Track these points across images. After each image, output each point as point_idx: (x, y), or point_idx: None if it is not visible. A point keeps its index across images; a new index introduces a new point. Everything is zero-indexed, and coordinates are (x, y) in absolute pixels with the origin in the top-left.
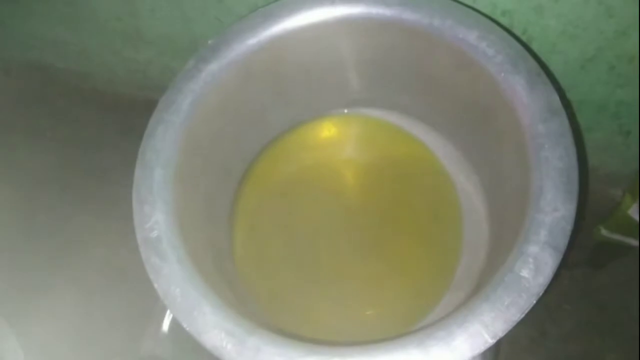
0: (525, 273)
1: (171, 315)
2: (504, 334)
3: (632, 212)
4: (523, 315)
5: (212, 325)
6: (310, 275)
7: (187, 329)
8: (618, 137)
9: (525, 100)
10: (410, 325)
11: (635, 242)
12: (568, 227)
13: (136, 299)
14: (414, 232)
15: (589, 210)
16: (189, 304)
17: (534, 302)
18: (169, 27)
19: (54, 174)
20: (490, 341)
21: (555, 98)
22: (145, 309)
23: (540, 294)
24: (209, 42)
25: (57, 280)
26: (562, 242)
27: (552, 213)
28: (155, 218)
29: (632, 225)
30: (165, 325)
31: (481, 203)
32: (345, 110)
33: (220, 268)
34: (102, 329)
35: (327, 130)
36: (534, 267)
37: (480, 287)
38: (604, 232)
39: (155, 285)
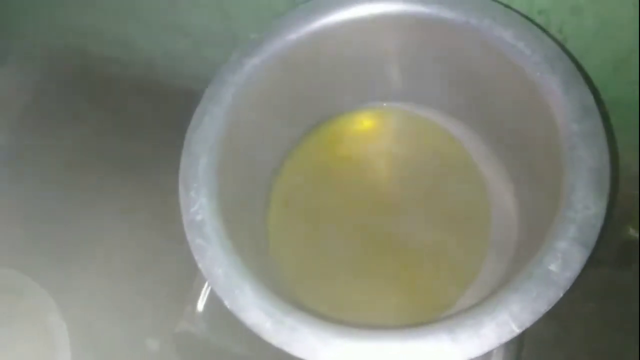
0: (553, 267)
1: (206, 296)
2: (531, 324)
3: None
4: (550, 307)
5: (252, 304)
6: (339, 261)
7: (229, 306)
8: None
9: (561, 99)
10: (436, 315)
11: None
12: (598, 224)
13: (172, 279)
14: (443, 225)
15: (618, 209)
16: (231, 283)
17: (561, 294)
18: (208, 20)
19: (92, 159)
20: (517, 330)
21: (590, 98)
22: (180, 290)
23: (568, 287)
24: (252, 36)
25: (97, 260)
26: (591, 239)
27: (583, 211)
28: (200, 203)
29: None
30: (200, 305)
31: (511, 199)
32: (384, 104)
33: (257, 250)
34: (140, 307)
35: (364, 122)
36: (562, 262)
37: (508, 279)
38: (632, 231)
39: (200, 265)
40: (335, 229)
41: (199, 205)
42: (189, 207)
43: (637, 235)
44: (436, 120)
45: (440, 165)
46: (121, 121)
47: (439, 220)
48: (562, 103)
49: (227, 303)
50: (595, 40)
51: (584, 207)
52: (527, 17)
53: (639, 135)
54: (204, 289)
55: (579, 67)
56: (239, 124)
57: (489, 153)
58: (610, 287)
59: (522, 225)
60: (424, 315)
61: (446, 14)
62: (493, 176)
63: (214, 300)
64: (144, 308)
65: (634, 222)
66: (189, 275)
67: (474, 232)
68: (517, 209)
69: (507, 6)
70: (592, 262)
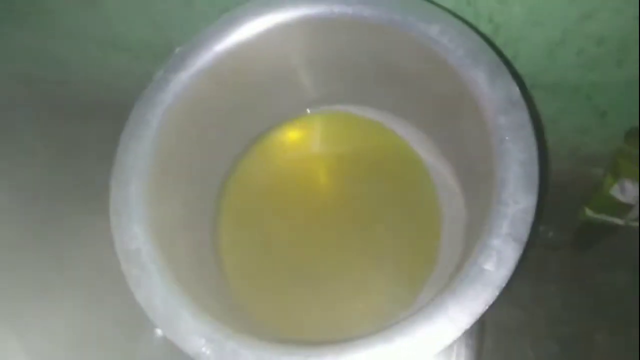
0: (488, 266)
1: None
2: (469, 326)
3: (614, 191)
4: (487, 307)
5: (192, 331)
6: (294, 274)
7: (169, 336)
8: (594, 118)
9: (486, 92)
10: (392, 317)
11: (619, 221)
12: (529, 219)
13: (132, 303)
14: (393, 223)
15: (573, 191)
16: (169, 312)
17: (497, 294)
18: (141, 32)
19: (41, 183)
20: (457, 334)
21: (516, 90)
22: (141, 314)
23: (503, 285)
24: (177, 50)
25: (54, 286)
26: (523, 233)
27: (514, 205)
28: (133, 231)
29: (615, 204)
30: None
31: (458, 192)
32: (308, 110)
33: (202, 273)
34: (100, 333)
35: (295, 131)
36: (496, 260)
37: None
38: (588, 212)
39: (137, 297)
40: (285, 240)
41: (132, 234)
42: (121, 235)
43: (594, 215)
44: (372, 117)
45: (382, 160)
46: (67, 141)
47: (388, 217)
48: (487, 96)
49: (167, 333)
50: (525, 26)
51: (514, 202)
52: (456, 10)
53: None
54: None
55: (506, 60)
56: (169, 144)
57: (429, 144)
58: (572, 269)
59: (470, 215)
60: (380, 319)
61: (369, 12)
62: (437, 167)
63: None
64: (105, 335)
65: (590, 202)
66: None
67: (425, 226)
68: (464, 199)
69: (432, 1)
70: (551, 245)
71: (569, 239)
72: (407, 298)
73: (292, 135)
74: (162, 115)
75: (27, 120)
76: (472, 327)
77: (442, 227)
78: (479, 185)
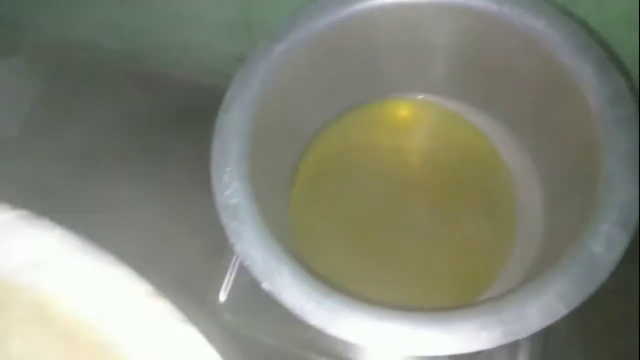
0: (597, 249)
1: (229, 287)
2: (578, 304)
3: None
4: (596, 288)
5: (291, 286)
6: (364, 250)
7: (268, 288)
8: None
9: (594, 86)
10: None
11: None
12: (637, 207)
13: (191, 274)
14: (469, 215)
15: None
16: (269, 266)
17: (607, 276)
18: (227, 10)
19: (106, 152)
20: (565, 311)
21: (623, 84)
22: (202, 283)
23: (612, 269)
24: (282, 21)
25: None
26: (633, 220)
27: (623, 194)
28: (234, 186)
29: None
30: (222, 297)
31: (536, 189)
32: (420, 96)
33: (282, 234)
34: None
35: (397, 111)
36: (605, 244)
37: (537, 271)
38: None
39: (237, 248)
40: (358, 215)
41: (233, 189)
42: (222, 191)
43: None
44: (464, 114)
45: (467, 158)
46: (134, 114)
47: (466, 209)
48: (595, 89)
49: (266, 285)
50: (619, 31)
51: (623, 191)
52: None
53: None
54: (225, 279)
55: (613, 56)
56: (268, 108)
57: (517, 146)
58: (628, 280)
59: (547, 210)
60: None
61: (478, 2)
62: (519, 168)
63: (236, 292)
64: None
65: None
66: (207, 267)
67: (501, 219)
68: (543, 196)
69: None
70: None
71: (628, 250)
72: (475, 289)
73: (379, 113)
74: (262, 81)
75: (93, 88)
76: None
77: (517, 223)
78: (570, 180)
